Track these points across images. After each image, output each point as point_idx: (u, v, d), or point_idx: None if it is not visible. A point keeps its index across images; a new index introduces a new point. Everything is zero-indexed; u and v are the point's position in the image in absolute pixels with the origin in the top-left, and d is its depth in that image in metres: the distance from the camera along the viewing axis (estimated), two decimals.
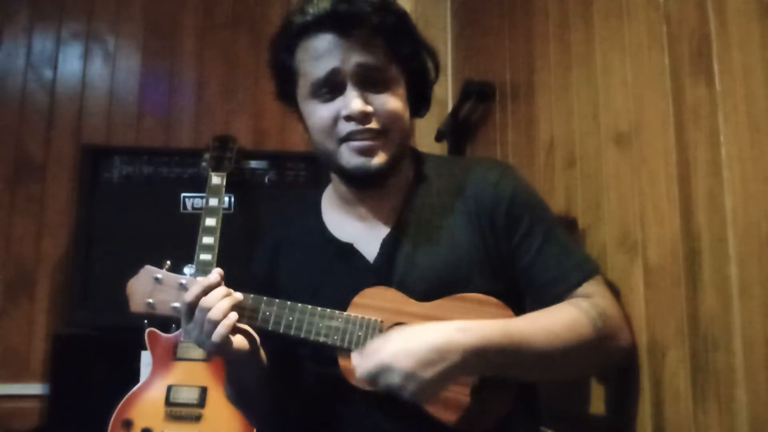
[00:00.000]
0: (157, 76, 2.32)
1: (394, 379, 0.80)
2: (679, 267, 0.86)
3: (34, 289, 2.12)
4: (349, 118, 0.94)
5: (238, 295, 0.93)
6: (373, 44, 0.94)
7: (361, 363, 0.83)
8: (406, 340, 0.81)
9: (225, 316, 0.89)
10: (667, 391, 0.90)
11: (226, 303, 0.90)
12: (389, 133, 0.96)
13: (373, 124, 0.94)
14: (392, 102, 0.96)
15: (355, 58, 0.93)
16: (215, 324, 0.88)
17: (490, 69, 1.77)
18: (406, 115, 0.99)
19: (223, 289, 0.92)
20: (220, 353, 0.92)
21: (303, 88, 0.99)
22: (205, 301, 0.90)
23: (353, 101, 0.93)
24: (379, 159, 0.95)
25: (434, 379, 0.80)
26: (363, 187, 1.02)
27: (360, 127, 0.94)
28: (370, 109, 0.94)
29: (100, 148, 2.07)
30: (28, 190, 2.17)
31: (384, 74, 0.96)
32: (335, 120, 0.95)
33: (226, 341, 0.89)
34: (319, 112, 0.96)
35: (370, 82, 0.95)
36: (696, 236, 0.83)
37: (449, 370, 0.80)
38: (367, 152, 0.95)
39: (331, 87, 0.95)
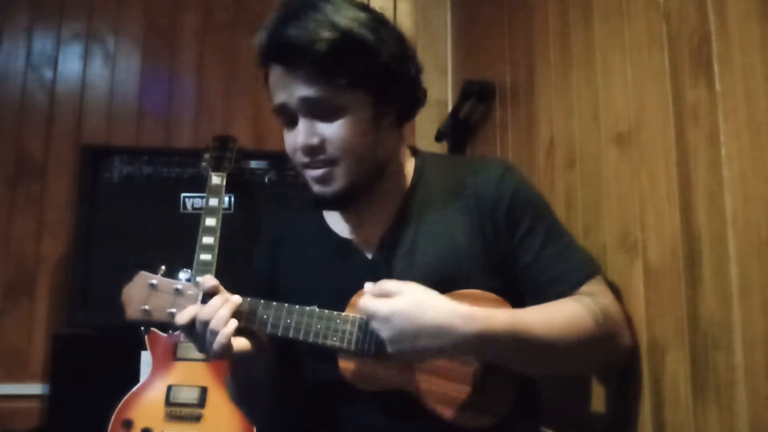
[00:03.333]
0: (157, 76, 2.32)
1: (384, 332, 0.83)
2: (679, 267, 0.86)
3: (34, 289, 2.11)
4: (299, 150, 0.95)
5: (236, 299, 0.93)
6: (318, 76, 0.90)
7: (367, 298, 0.86)
8: (414, 304, 0.83)
9: (225, 324, 0.89)
10: (667, 391, 0.90)
11: (225, 311, 0.90)
12: (341, 160, 0.94)
13: (323, 155, 0.94)
14: (342, 130, 0.92)
15: (298, 92, 0.91)
16: (216, 333, 0.89)
17: (490, 69, 1.77)
18: (363, 138, 0.94)
19: (220, 298, 0.92)
20: (222, 359, 0.92)
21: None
22: (203, 314, 0.90)
23: (298, 136, 0.93)
24: (334, 186, 0.95)
25: (420, 351, 0.83)
26: (332, 210, 1.04)
27: (310, 159, 0.95)
28: (314, 141, 0.93)
29: (100, 148, 2.07)
30: (28, 190, 2.16)
31: (330, 103, 0.91)
32: (293, 149, 0.96)
33: (227, 348, 0.89)
34: (285, 138, 0.98)
35: (317, 113, 0.93)
36: (696, 236, 0.83)
37: (438, 350, 0.83)
38: (322, 181, 0.96)
39: (285, 117, 0.96)
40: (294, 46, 0.89)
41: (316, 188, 0.97)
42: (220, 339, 0.88)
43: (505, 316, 0.86)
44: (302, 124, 0.93)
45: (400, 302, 0.83)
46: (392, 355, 0.85)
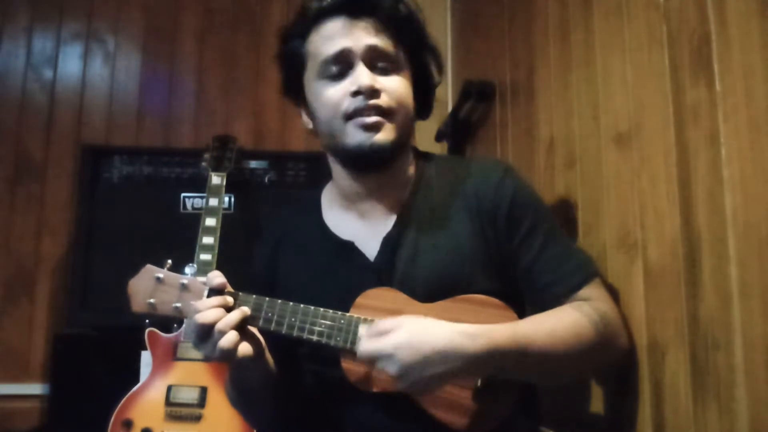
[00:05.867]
0: (157, 76, 2.32)
1: (392, 369, 0.81)
2: (679, 267, 0.86)
3: (34, 289, 2.11)
4: (357, 93, 0.95)
5: (246, 310, 0.91)
6: (383, 30, 0.98)
7: (365, 342, 0.84)
8: (415, 334, 0.82)
9: (231, 329, 0.87)
10: (667, 391, 0.90)
11: (234, 316, 0.88)
12: (395, 114, 0.97)
13: (381, 101, 0.96)
14: (400, 84, 0.99)
15: (366, 40, 0.96)
16: (222, 334, 0.86)
17: (490, 69, 1.77)
18: (411, 101, 1.01)
19: (221, 299, 0.90)
20: (224, 361, 0.91)
21: (312, 70, 1.00)
22: (208, 317, 0.87)
23: (362, 75, 0.95)
24: (383, 135, 0.96)
25: (431, 378, 0.81)
26: (365, 168, 1.01)
27: (367, 102, 0.95)
28: (378, 84, 0.96)
29: (100, 148, 2.07)
30: (28, 189, 2.16)
31: (393, 58, 0.99)
32: (342, 97, 0.96)
33: (231, 352, 0.87)
34: (327, 91, 0.98)
35: (379, 64, 0.98)
36: (696, 236, 0.83)
37: (449, 373, 0.81)
38: (373, 128, 0.96)
39: (340, 65, 0.97)
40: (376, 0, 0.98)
41: (364, 136, 0.96)
42: (222, 344, 0.86)
43: (507, 330, 0.85)
44: (364, 69, 0.96)
45: (401, 335, 0.82)
46: (405, 390, 0.83)
